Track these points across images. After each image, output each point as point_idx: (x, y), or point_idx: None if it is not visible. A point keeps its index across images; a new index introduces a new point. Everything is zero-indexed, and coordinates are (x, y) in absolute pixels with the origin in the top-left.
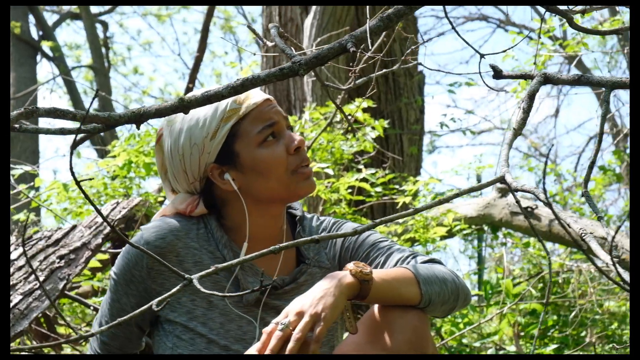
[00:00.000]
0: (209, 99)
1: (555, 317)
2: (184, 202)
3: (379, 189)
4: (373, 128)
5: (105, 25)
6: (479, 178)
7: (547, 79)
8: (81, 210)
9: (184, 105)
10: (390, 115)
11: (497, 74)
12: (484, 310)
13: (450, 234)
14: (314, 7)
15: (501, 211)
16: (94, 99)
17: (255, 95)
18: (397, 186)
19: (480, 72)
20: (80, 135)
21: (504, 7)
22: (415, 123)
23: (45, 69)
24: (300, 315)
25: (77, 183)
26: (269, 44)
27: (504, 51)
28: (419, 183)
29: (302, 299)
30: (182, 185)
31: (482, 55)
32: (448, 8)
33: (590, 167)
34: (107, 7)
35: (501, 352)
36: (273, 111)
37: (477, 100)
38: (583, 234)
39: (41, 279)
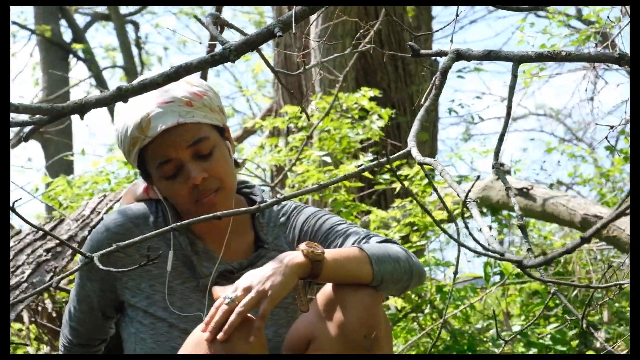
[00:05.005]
0: (144, 87)
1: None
2: (142, 184)
3: (386, 176)
4: (379, 116)
5: (136, 26)
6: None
7: (459, 56)
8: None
9: (121, 95)
10: (401, 103)
11: (415, 52)
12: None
13: (450, 219)
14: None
15: (498, 193)
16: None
17: (155, 126)
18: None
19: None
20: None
21: None
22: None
23: (78, 71)
24: (247, 290)
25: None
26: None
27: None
28: (414, 169)
29: (252, 275)
30: None
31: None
32: None
33: (500, 139)
34: (136, 7)
35: (505, 331)
36: (170, 147)
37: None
38: (468, 201)
39: (28, 272)
